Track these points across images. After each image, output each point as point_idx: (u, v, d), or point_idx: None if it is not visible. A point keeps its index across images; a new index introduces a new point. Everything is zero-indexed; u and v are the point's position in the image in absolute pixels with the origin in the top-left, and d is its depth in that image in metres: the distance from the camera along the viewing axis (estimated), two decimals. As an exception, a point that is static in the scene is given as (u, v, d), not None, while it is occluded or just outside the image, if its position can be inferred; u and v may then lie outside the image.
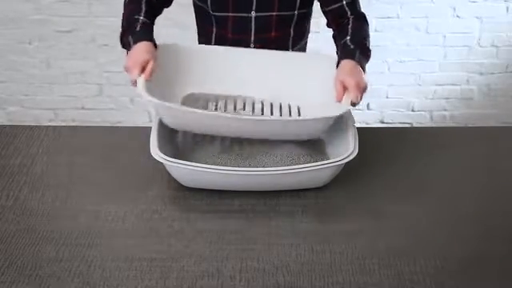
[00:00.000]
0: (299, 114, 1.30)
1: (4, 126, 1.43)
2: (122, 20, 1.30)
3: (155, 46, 1.24)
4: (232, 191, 1.17)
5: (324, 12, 1.37)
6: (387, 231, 1.10)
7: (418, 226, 1.12)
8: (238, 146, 1.24)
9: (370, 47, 1.30)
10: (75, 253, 1.03)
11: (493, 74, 2.73)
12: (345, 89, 1.16)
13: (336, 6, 1.33)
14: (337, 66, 1.23)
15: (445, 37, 2.64)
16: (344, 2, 1.33)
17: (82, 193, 1.19)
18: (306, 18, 1.42)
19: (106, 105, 2.71)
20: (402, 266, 1.02)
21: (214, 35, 1.40)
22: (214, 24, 1.37)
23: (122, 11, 1.32)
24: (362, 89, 1.16)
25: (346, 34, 1.29)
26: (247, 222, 1.11)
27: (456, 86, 2.76)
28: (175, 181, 1.19)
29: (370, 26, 1.35)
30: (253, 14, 1.32)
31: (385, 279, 0.99)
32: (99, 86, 2.67)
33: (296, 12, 1.35)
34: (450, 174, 1.28)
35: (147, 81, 1.15)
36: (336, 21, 1.35)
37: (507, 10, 2.59)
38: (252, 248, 1.05)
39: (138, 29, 1.24)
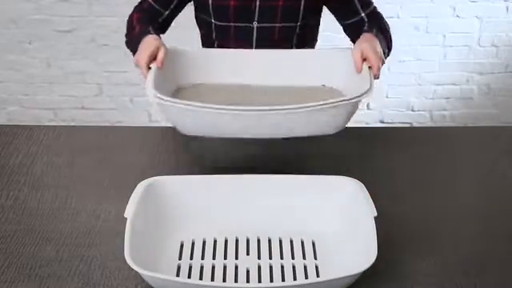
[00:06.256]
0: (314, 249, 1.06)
1: (4, 126, 1.43)
2: (130, 31, 1.29)
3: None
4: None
5: (343, 25, 1.35)
6: (387, 231, 1.10)
7: (418, 226, 1.12)
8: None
9: (391, 36, 1.29)
10: (75, 253, 1.03)
11: (493, 73, 2.73)
12: (364, 59, 1.14)
13: (356, 19, 1.32)
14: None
15: (445, 37, 2.64)
16: (363, 14, 1.31)
17: (82, 193, 1.19)
18: (310, 29, 1.39)
19: (105, 105, 2.71)
20: (402, 266, 1.02)
21: (216, 46, 1.38)
22: (216, 34, 1.36)
23: (129, 29, 1.31)
24: (380, 57, 1.14)
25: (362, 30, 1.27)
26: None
27: (456, 85, 2.76)
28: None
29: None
30: (255, 24, 1.30)
31: (385, 279, 0.99)
32: (99, 85, 2.67)
33: (299, 24, 1.32)
34: (449, 173, 1.28)
35: (159, 69, 1.12)
36: (357, 33, 1.29)
37: (507, 10, 2.59)
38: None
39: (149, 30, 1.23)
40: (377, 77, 1.12)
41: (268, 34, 1.32)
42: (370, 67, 1.13)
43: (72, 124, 2.68)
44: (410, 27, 2.61)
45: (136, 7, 1.35)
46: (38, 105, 2.72)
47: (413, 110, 2.82)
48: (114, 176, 1.24)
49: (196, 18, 1.41)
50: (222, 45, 1.36)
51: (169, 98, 1.04)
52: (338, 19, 1.35)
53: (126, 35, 1.30)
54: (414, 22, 2.60)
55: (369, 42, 1.17)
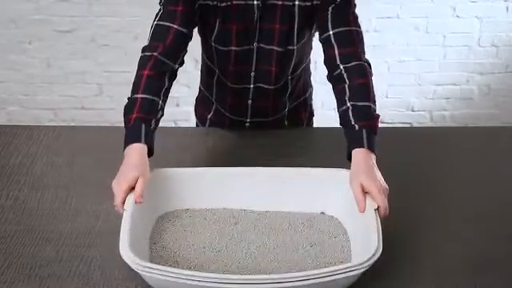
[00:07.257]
0: None
1: (4, 126, 1.43)
2: (137, 88, 1.13)
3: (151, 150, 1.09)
4: None
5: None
6: (387, 231, 1.10)
7: (418, 226, 1.12)
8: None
9: (376, 108, 1.15)
10: (75, 253, 1.03)
11: (493, 73, 2.73)
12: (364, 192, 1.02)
13: (324, 35, 1.22)
14: (347, 155, 1.10)
15: (445, 37, 2.64)
16: (331, 33, 1.21)
17: (82, 193, 1.19)
18: (306, 44, 1.35)
19: (105, 105, 2.71)
20: (402, 266, 1.02)
21: (216, 65, 1.35)
22: (216, 56, 1.33)
23: (140, 75, 1.15)
24: (383, 187, 1.03)
25: (345, 101, 1.15)
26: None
27: (456, 86, 2.76)
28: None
29: (365, 37, 1.23)
30: (255, 45, 1.28)
31: (385, 279, 0.99)
32: (99, 85, 2.68)
33: (295, 47, 1.29)
34: (449, 173, 1.28)
35: (138, 203, 1.00)
36: (327, 63, 1.23)
37: (507, 10, 2.60)
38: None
39: (152, 126, 1.11)
40: (382, 217, 1.00)
41: (267, 55, 1.29)
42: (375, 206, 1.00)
43: (72, 124, 2.68)
44: (410, 27, 2.61)
45: (151, 43, 1.20)
46: (38, 105, 2.72)
47: (413, 110, 2.82)
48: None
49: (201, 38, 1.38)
50: (222, 66, 1.34)
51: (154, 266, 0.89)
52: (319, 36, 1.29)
53: (129, 99, 1.14)
54: (414, 22, 2.60)
55: (366, 171, 1.04)
